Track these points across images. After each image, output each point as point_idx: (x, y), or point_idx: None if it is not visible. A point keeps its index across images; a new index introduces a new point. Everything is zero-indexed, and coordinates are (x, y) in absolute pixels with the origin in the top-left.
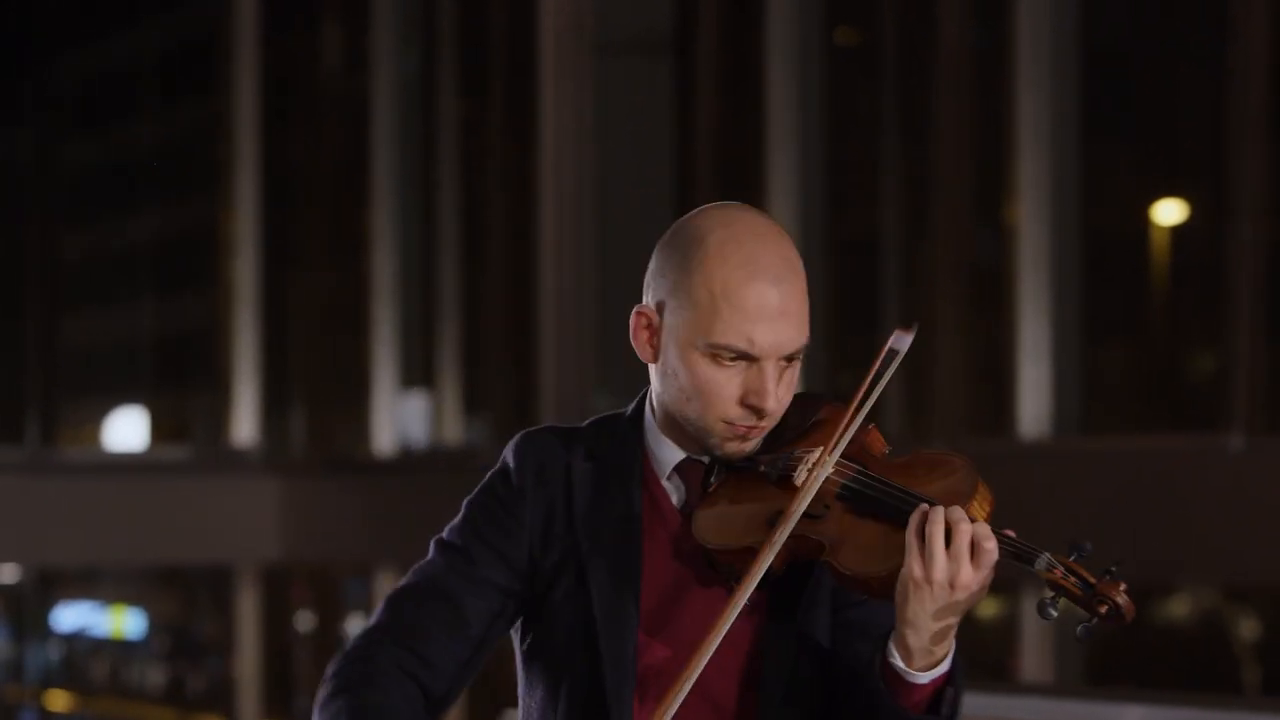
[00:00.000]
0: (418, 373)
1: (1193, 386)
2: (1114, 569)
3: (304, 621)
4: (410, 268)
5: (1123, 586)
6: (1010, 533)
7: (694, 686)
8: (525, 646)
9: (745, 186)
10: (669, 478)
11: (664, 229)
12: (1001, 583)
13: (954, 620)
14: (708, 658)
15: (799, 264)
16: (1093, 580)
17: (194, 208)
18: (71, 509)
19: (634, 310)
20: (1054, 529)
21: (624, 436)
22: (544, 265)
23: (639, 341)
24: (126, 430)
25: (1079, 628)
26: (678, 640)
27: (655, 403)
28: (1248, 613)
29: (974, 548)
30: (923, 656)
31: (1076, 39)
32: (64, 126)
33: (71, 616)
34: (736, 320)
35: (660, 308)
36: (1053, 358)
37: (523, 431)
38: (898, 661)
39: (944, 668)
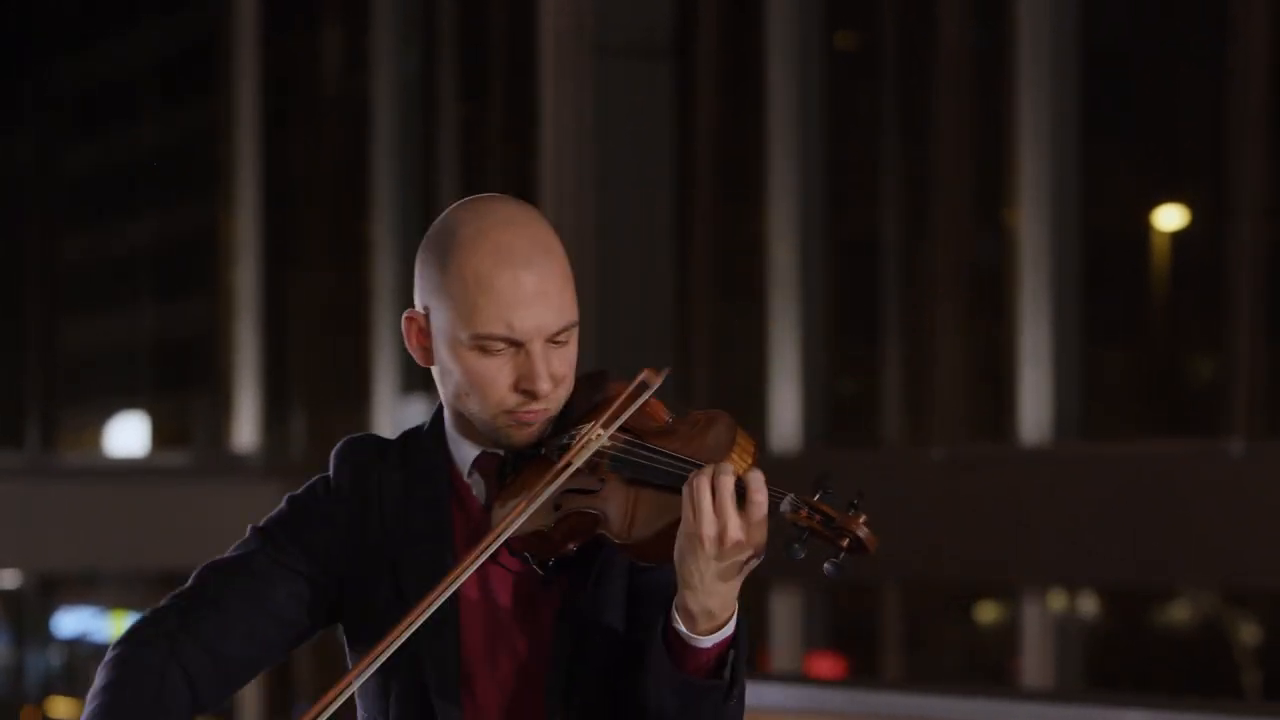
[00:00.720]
0: (418, 377)
1: (1193, 390)
2: (856, 502)
3: None
4: (410, 271)
5: (863, 519)
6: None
7: (499, 658)
8: (352, 661)
9: (745, 188)
10: (470, 475)
11: (662, 230)
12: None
13: (734, 580)
14: (432, 609)
15: (555, 244)
16: (834, 515)
17: (194, 211)
18: (72, 514)
19: (404, 315)
20: (1054, 532)
21: (427, 443)
22: None
23: (412, 346)
24: (127, 435)
25: (825, 565)
26: (498, 634)
27: (445, 405)
28: (1248, 616)
29: (744, 500)
30: (705, 619)
31: (1076, 40)
32: (64, 129)
33: (72, 622)
34: (493, 308)
35: (426, 310)
36: (1053, 361)
37: (346, 438)
38: (680, 625)
39: (727, 631)
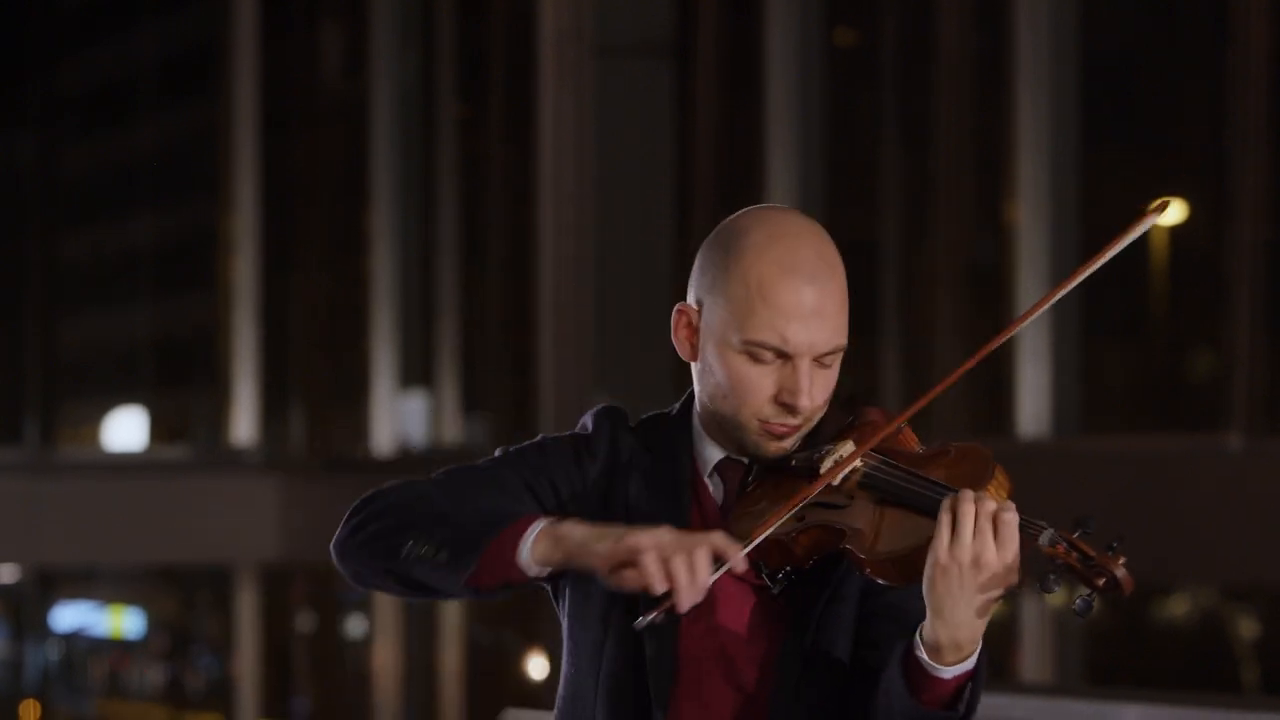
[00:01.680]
0: (417, 373)
1: (1192, 387)
2: (1115, 545)
3: (303, 621)
4: (409, 269)
5: (1122, 560)
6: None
7: (718, 671)
8: (569, 607)
9: (745, 189)
10: (710, 475)
11: (662, 231)
12: None
13: (983, 608)
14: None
15: (838, 265)
16: (1092, 554)
17: (194, 210)
18: (71, 509)
19: (675, 308)
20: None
21: (673, 434)
22: (543, 267)
23: (679, 338)
24: (126, 430)
25: (1076, 601)
26: (713, 631)
27: (697, 401)
28: (1247, 612)
29: (994, 525)
30: (952, 651)
31: (1076, 39)
32: (64, 129)
33: (70, 616)
34: (771, 316)
35: (700, 305)
36: (1052, 358)
37: (603, 405)
38: (923, 655)
39: (969, 665)
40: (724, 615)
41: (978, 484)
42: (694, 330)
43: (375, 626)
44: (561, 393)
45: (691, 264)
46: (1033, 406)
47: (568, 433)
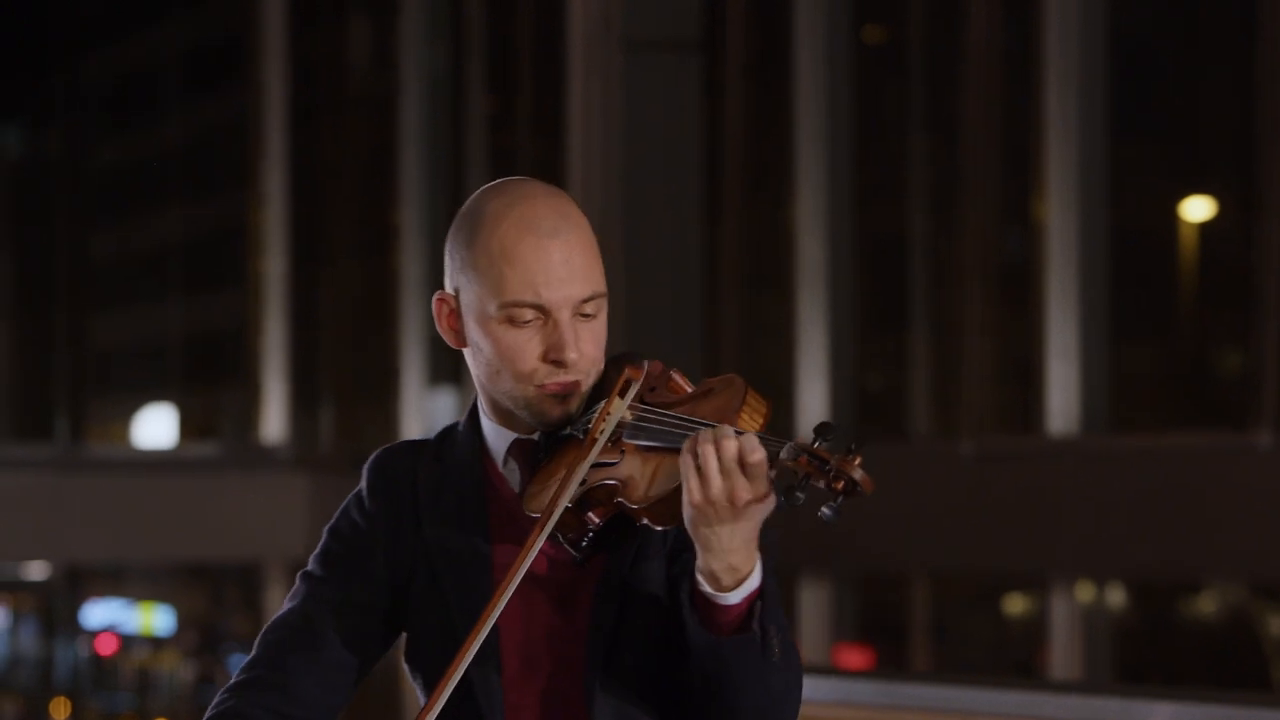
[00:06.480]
0: (445, 369)
1: (1221, 384)
2: (853, 445)
3: None
4: (438, 264)
5: (858, 460)
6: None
7: (540, 651)
8: (405, 655)
9: (772, 183)
10: (505, 464)
11: (690, 225)
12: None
13: (749, 533)
14: (502, 605)
15: (579, 218)
16: (830, 460)
17: (222, 205)
18: (101, 506)
19: (434, 298)
20: (1081, 525)
21: (463, 434)
22: None
23: (443, 328)
24: (156, 427)
25: (821, 510)
26: (531, 613)
27: (478, 390)
28: (1275, 609)
29: (742, 460)
30: (728, 575)
31: (1104, 34)
32: (92, 125)
33: (100, 613)
34: (519, 275)
35: (457, 290)
36: (1081, 355)
37: (377, 449)
38: (705, 586)
39: (753, 584)
40: (539, 595)
41: (730, 415)
42: (456, 316)
43: None
44: None
45: (721, 257)
46: (1062, 404)
47: (349, 496)
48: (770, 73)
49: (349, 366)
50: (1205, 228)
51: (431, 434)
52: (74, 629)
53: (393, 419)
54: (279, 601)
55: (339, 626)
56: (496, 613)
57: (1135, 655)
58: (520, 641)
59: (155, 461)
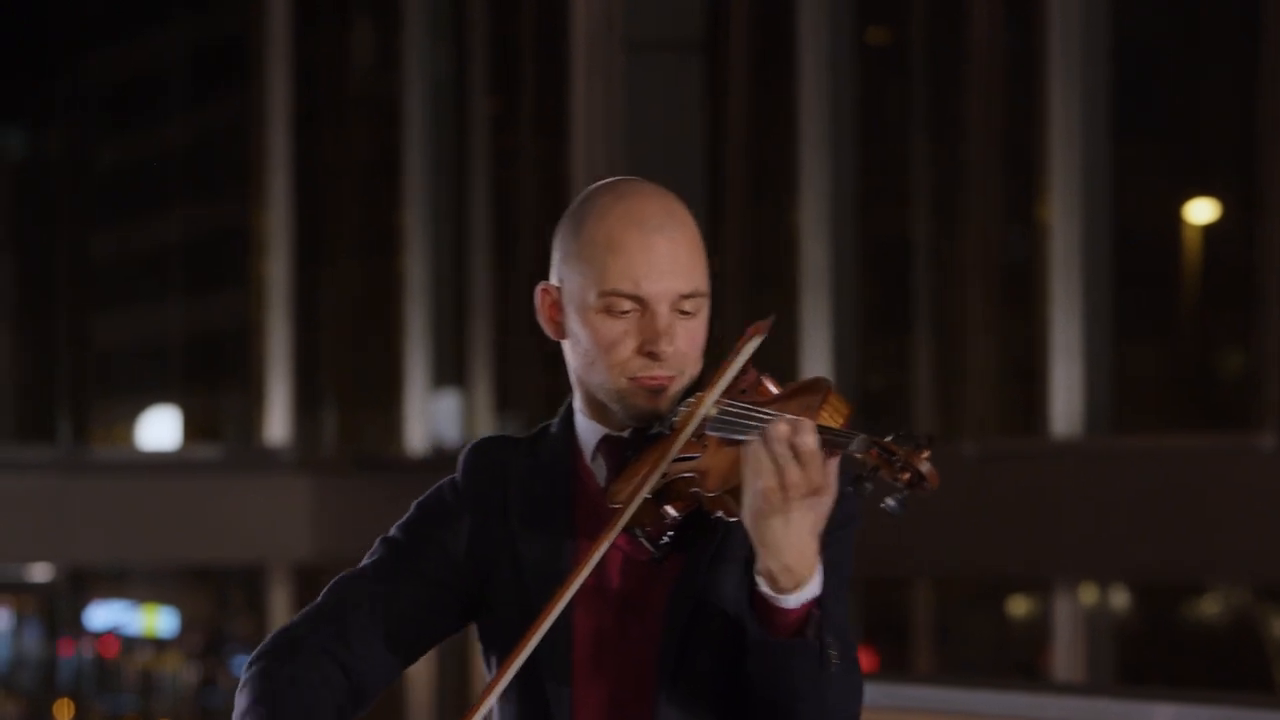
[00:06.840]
0: (449, 371)
1: (1224, 385)
2: (920, 439)
3: None
4: (441, 266)
5: (926, 454)
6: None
7: (614, 644)
8: (481, 644)
9: (775, 184)
10: (594, 459)
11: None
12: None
13: (802, 530)
14: (573, 590)
15: (686, 217)
16: (899, 452)
17: (225, 206)
18: (104, 508)
19: (538, 288)
20: (1084, 527)
21: (557, 430)
22: None
23: (544, 319)
24: (158, 429)
25: (886, 501)
26: (606, 605)
27: (574, 384)
28: (1278, 612)
29: (794, 451)
30: (785, 576)
31: (1107, 35)
32: (94, 125)
33: (103, 615)
34: (621, 266)
35: (561, 282)
36: (1084, 356)
37: (475, 439)
38: (763, 587)
39: (811, 591)
40: (614, 594)
41: (811, 411)
42: (558, 308)
43: None
44: None
45: (723, 259)
46: (1064, 405)
47: (442, 480)
48: (773, 73)
49: (352, 368)
50: (1208, 229)
51: (444, 437)
52: (77, 631)
53: (396, 421)
54: (283, 603)
55: (406, 593)
56: (567, 597)
57: (1138, 657)
58: (592, 638)
59: (158, 463)
